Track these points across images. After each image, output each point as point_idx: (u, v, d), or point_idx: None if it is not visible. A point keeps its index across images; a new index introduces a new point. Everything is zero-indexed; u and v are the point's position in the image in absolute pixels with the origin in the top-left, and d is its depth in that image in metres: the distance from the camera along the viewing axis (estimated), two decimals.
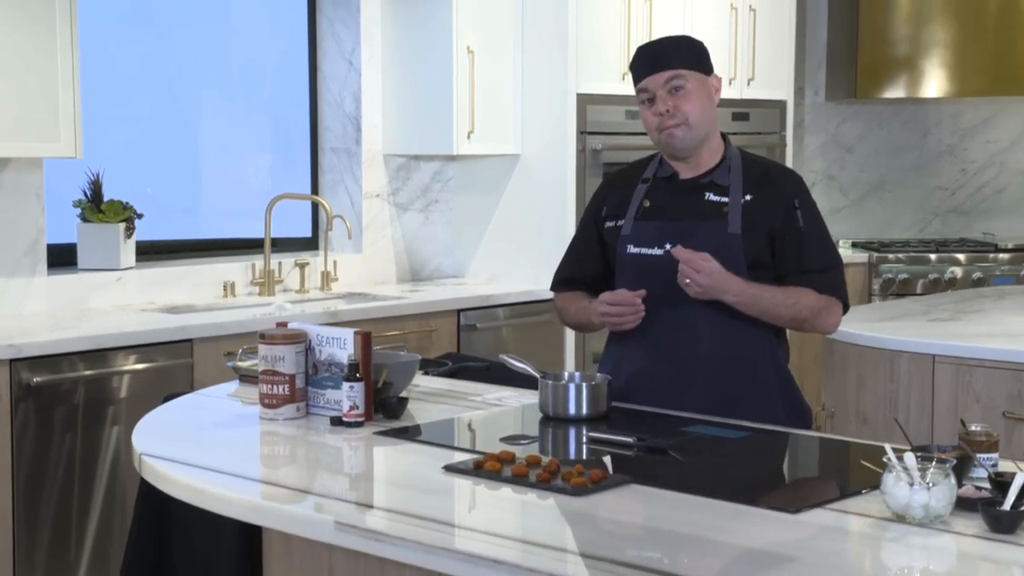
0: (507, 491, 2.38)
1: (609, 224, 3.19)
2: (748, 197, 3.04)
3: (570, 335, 5.62)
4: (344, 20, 5.71)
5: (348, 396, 2.88)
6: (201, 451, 2.76)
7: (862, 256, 6.86)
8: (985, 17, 7.01)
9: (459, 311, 5.27)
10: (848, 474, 2.61)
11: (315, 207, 5.85)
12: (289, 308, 5.07)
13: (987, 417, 3.92)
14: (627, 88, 5.76)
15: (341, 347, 2.97)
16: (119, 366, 4.27)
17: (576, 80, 5.58)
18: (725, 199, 3.04)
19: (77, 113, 4.46)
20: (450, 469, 2.48)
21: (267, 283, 5.31)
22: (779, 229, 3.02)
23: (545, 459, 2.48)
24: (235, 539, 2.70)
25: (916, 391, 4.06)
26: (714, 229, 3.02)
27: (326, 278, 5.50)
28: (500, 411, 3.09)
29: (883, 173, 7.60)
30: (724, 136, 3.16)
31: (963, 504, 2.12)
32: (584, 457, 2.71)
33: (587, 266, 3.26)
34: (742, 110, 6.32)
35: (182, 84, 5.59)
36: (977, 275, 6.75)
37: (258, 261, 5.36)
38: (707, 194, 3.07)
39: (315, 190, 5.85)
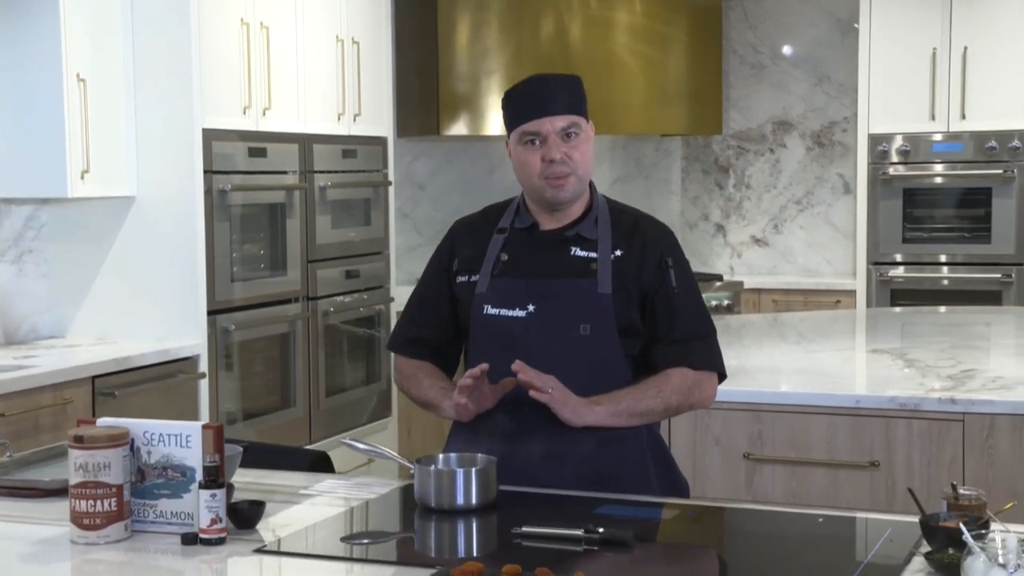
0: None
1: (461, 279, 2.83)
2: (618, 252, 2.77)
3: (205, 393, 5.06)
4: None
5: (208, 507, 2.32)
6: None
7: None
8: (538, 59, 7.14)
9: (93, 378, 4.57)
10: (842, 553, 2.38)
11: None
12: None
13: (727, 459, 3.91)
14: (249, 123, 5.35)
15: (183, 445, 2.40)
16: None
17: (202, 114, 5.05)
18: (593, 254, 2.76)
19: None
20: None
21: None
22: (650, 289, 2.77)
23: (512, 567, 2.10)
24: None
25: None
26: (582, 288, 2.74)
27: None
28: (358, 504, 2.62)
29: (455, 211, 7.52)
30: (590, 183, 2.88)
31: None
32: (507, 555, 2.33)
33: (434, 325, 2.88)
34: (350, 147, 6.02)
35: None
36: None
37: None
38: (573, 248, 2.78)
39: None
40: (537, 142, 2.73)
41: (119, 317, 5.13)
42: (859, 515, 2.54)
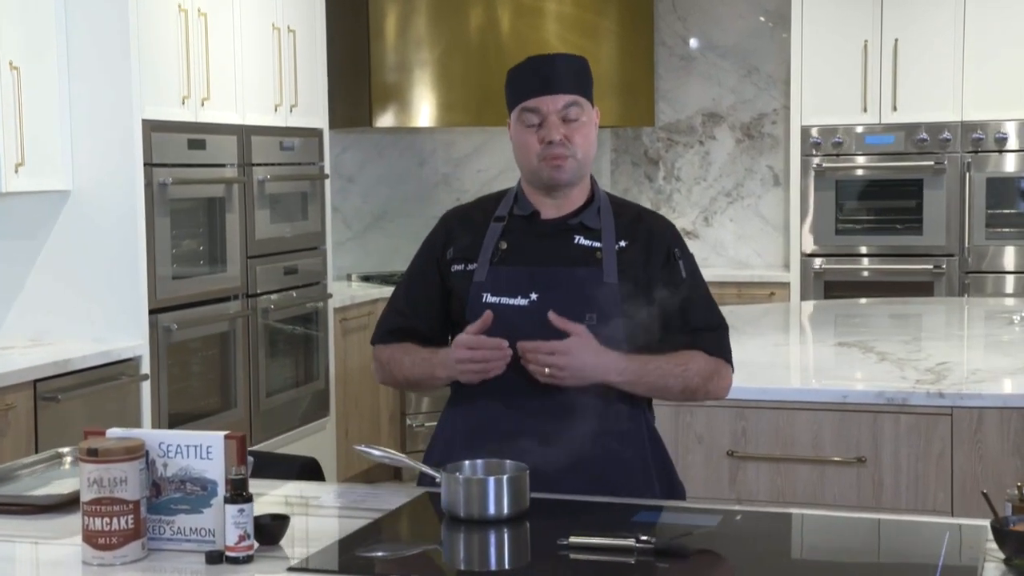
0: None
1: (457, 267, 2.69)
2: (623, 243, 2.66)
3: (148, 395, 4.83)
4: None
5: (236, 523, 2.16)
6: None
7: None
8: (468, 52, 7.01)
9: (35, 382, 4.33)
10: (912, 558, 2.29)
11: None
12: None
13: (710, 457, 3.83)
14: (188, 114, 5.12)
15: (203, 456, 2.23)
16: None
17: (140, 104, 4.82)
18: (597, 243, 2.65)
19: None
20: None
21: None
22: (658, 281, 2.66)
23: None
24: None
25: None
26: (588, 277, 2.62)
27: None
28: (381, 515, 2.47)
29: (384, 203, 7.40)
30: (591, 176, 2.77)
31: None
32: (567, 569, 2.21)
33: (421, 316, 2.73)
34: (288, 139, 5.82)
35: None
36: None
37: None
38: (576, 237, 2.67)
39: None
40: (537, 122, 2.62)
41: (54, 317, 4.89)
42: (914, 518, 2.46)
